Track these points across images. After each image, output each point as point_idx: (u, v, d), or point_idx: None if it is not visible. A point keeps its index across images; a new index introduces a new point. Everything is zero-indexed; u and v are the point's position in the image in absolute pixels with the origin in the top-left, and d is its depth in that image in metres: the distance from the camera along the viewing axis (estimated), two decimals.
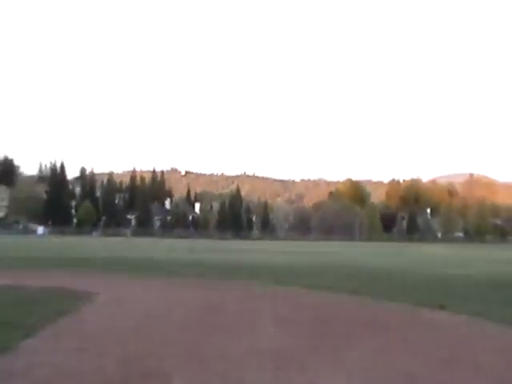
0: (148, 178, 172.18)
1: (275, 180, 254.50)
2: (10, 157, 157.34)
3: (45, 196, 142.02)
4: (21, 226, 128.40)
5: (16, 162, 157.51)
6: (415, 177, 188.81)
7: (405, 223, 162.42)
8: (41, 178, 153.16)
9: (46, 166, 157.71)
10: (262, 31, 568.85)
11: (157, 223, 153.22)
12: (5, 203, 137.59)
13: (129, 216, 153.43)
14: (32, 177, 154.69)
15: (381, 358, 9.75)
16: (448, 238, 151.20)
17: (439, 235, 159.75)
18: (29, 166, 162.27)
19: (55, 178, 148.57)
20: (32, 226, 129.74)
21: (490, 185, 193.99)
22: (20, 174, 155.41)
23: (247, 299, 17.87)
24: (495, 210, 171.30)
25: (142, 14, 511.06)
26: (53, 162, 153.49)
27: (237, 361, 9.26)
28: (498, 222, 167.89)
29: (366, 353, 10.10)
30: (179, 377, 8.17)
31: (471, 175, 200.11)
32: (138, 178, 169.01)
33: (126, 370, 8.48)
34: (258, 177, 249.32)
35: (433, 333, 12.46)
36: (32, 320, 12.16)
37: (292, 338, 11.31)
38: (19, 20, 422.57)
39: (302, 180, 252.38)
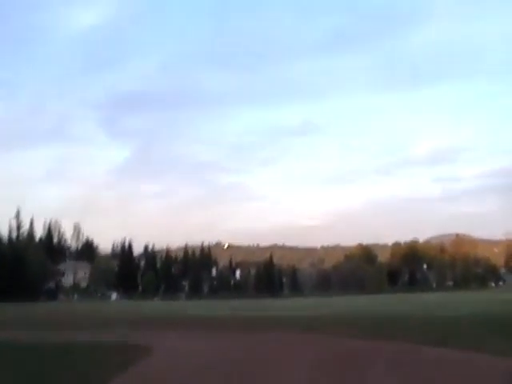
0: (197, 251, 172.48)
1: (300, 248, 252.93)
2: (90, 238, 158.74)
3: (117, 269, 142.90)
4: (99, 294, 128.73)
5: (95, 243, 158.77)
6: (413, 238, 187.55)
7: (406, 277, 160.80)
8: (114, 255, 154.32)
9: (117, 245, 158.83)
10: None
11: (205, 288, 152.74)
12: (87, 276, 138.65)
13: (183, 283, 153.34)
14: (107, 254, 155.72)
15: None
16: (441, 287, 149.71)
17: (434, 285, 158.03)
18: (105, 245, 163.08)
19: (125, 255, 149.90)
20: (108, 293, 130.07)
21: (472, 242, 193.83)
22: (98, 252, 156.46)
23: (282, 349, 17.32)
24: (477, 262, 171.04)
25: None
26: (123, 241, 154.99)
27: None
28: (480, 271, 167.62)
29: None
30: None
31: (457, 235, 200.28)
32: (190, 252, 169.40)
33: None
34: (286, 246, 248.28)
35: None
36: (101, 373, 11.83)
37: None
38: None
39: (322, 246, 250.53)
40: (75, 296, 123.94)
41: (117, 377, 11.47)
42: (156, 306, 71.16)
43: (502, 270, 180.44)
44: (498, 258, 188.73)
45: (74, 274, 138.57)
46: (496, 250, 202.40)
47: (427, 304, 51.24)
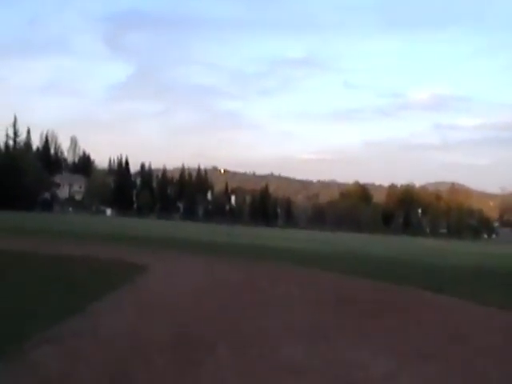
0: (194, 174, 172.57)
1: (296, 180, 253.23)
2: (87, 152, 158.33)
3: (113, 185, 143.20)
4: (93, 208, 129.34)
5: (92, 158, 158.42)
6: (409, 182, 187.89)
7: (401, 220, 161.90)
8: (110, 171, 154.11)
9: (114, 161, 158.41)
10: None
11: (200, 211, 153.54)
12: (82, 189, 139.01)
13: (178, 204, 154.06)
14: (103, 169, 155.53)
15: (398, 335, 9.02)
16: (434, 234, 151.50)
17: (427, 230, 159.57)
18: (101, 161, 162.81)
19: (121, 171, 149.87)
20: (102, 208, 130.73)
21: (467, 192, 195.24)
22: (94, 166, 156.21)
23: (278, 279, 17.19)
24: (471, 213, 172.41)
25: None
26: (119, 157, 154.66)
27: (273, 332, 8.56)
28: (473, 222, 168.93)
29: (385, 330, 9.38)
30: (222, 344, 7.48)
31: (453, 184, 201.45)
32: (186, 174, 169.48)
33: (177, 337, 7.80)
34: (282, 177, 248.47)
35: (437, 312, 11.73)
36: (96, 287, 11.59)
37: (320, 316, 10.58)
38: None
39: (318, 181, 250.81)
40: (70, 208, 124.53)
41: (113, 291, 11.27)
42: (151, 224, 71.42)
43: (496, 224, 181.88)
44: (492, 211, 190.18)
45: (69, 187, 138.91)
46: (491, 203, 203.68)
47: (424, 250, 51.46)
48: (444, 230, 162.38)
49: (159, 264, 17.88)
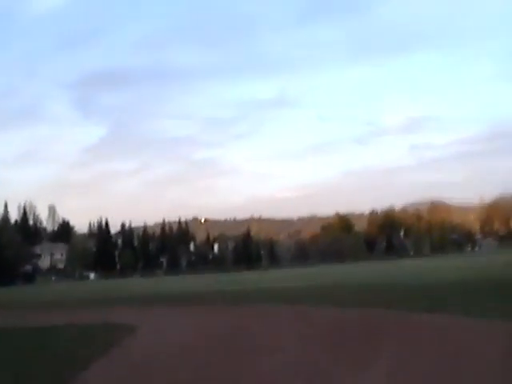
0: (175, 227, 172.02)
1: (277, 220, 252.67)
2: (66, 219, 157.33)
3: (94, 248, 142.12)
4: (76, 274, 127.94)
5: (72, 223, 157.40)
6: (389, 206, 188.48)
7: (383, 244, 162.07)
8: (91, 235, 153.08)
9: (94, 224, 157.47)
10: None
11: (183, 263, 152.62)
12: (64, 257, 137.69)
13: (161, 259, 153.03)
14: (84, 234, 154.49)
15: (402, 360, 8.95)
16: (418, 254, 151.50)
17: (411, 252, 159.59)
18: (81, 226, 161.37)
19: (101, 234, 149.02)
20: (85, 273, 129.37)
21: (447, 208, 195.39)
22: (74, 232, 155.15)
23: (269, 322, 17.03)
24: (453, 228, 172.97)
25: None
26: (99, 220, 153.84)
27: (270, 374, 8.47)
28: (456, 237, 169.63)
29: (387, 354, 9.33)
30: None
31: (432, 202, 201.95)
32: (167, 228, 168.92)
33: None
34: (263, 218, 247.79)
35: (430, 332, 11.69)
36: (86, 354, 11.40)
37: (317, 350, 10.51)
38: None
39: (299, 217, 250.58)
40: (53, 278, 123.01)
41: (101, 357, 11.08)
42: (135, 283, 70.72)
43: (478, 235, 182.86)
44: (473, 224, 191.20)
45: (50, 256, 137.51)
46: (472, 215, 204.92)
47: (408, 271, 51.47)
48: (427, 249, 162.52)
49: (146, 323, 17.67)
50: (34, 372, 9.62)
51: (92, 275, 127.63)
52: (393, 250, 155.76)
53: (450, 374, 7.90)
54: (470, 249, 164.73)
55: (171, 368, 9.97)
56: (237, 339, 13.37)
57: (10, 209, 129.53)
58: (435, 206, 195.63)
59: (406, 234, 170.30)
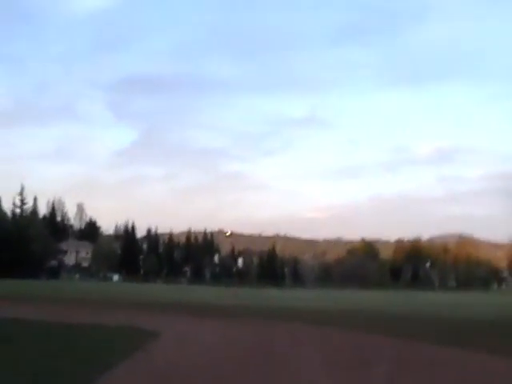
0: (200, 237, 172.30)
1: (303, 239, 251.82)
2: (93, 219, 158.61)
3: (119, 251, 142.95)
4: (101, 275, 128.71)
5: (98, 224, 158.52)
6: (416, 236, 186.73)
7: (409, 274, 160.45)
8: (117, 237, 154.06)
9: (120, 226, 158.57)
10: None
11: (207, 274, 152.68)
12: (89, 256, 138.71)
13: (185, 268, 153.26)
14: (110, 235, 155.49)
15: None
16: (443, 287, 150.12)
17: (436, 284, 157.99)
18: (108, 227, 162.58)
19: (127, 237, 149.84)
20: (109, 274, 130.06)
21: (474, 243, 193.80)
22: (101, 233, 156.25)
23: (290, 340, 16.80)
24: (479, 264, 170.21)
25: None
26: (126, 223, 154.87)
27: None
28: (482, 273, 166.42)
29: None
30: None
31: (460, 236, 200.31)
32: (193, 237, 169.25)
33: None
34: (288, 236, 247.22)
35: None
36: (109, 356, 11.28)
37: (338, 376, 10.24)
38: None
39: (324, 239, 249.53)
40: (77, 275, 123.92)
41: (125, 360, 10.96)
42: (159, 289, 70.73)
43: (505, 273, 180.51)
44: (500, 261, 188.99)
45: (76, 254, 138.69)
46: (499, 253, 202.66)
47: (435, 303, 50.74)
48: (453, 283, 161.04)
49: (170, 330, 17.55)
50: (58, 369, 9.49)
51: (116, 277, 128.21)
52: (418, 280, 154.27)
53: None
54: (496, 286, 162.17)
55: (192, 377, 9.92)
56: (260, 355, 13.14)
57: (39, 203, 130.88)
58: (463, 240, 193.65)
59: (431, 266, 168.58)
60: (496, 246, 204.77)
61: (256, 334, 18.08)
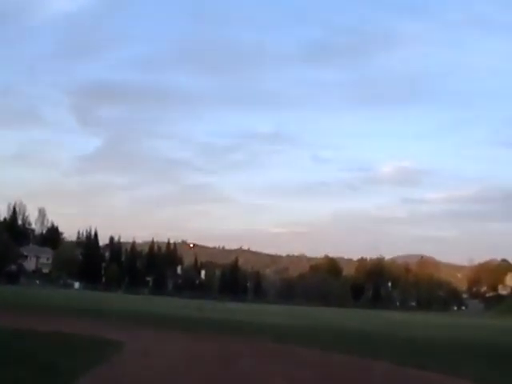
0: (163, 247, 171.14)
1: (266, 254, 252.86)
2: (55, 224, 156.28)
3: (81, 258, 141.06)
4: (61, 281, 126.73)
5: (60, 229, 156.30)
6: (379, 256, 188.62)
7: (370, 293, 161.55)
8: (78, 244, 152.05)
9: (82, 233, 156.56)
10: None
11: (170, 285, 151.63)
12: (50, 262, 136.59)
13: (147, 278, 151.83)
14: (72, 242, 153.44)
15: None
16: (404, 306, 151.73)
17: (397, 303, 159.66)
18: (70, 233, 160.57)
19: (90, 244, 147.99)
20: (70, 281, 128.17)
21: (435, 265, 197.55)
22: (63, 239, 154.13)
23: (253, 355, 16.69)
24: (440, 285, 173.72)
25: None
26: (88, 230, 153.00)
27: None
28: (442, 294, 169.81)
29: None
30: None
31: (422, 257, 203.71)
32: (156, 248, 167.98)
33: None
34: (252, 251, 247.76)
35: None
36: (73, 366, 11.02)
37: None
38: None
39: (287, 255, 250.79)
40: (37, 281, 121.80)
41: (88, 371, 10.71)
42: (121, 298, 69.90)
43: (465, 295, 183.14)
44: (460, 283, 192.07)
45: (36, 259, 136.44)
46: (459, 275, 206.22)
47: (395, 323, 51.07)
48: (414, 303, 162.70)
49: (134, 341, 17.27)
50: (19, 380, 9.20)
51: (77, 284, 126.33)
52: (379, 299, 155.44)
53: None
54: (456, 308, 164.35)
55: None
56: (222, 370, 13.02)
57: None
58: (424, 261, 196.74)
59: (393, 286, 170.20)
60: (456, 268, 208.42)
61: (221, 348, 17.90)
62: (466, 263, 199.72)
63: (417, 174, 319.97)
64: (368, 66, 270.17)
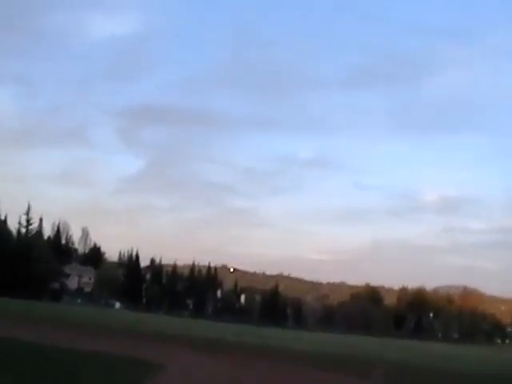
0: (204, 270, 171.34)
1: (306, 280, 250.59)
2: (98, 244, 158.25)
3: (122, 278, 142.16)
4: (103, 301, 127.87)
5: (102, 249, 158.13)
6: (420, 285, 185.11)
7: (412, 323, 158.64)
8: (120, 264, 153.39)
9: (124, 254, 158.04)
10: None
11: (209, 308, 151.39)
12: (91, 281, 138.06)
13: (187, 301, 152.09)
14: (114, 262, 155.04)
15: None
16: (446, 338, 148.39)
17: (439, 335, 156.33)
18: (111, 253, 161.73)
19: (131, 265, 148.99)
20: (111, 301, 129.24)
21: (479, 296, 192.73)
22: (105, 259, 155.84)
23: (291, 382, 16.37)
24: (483, 317, 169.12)
25: None
26: (130, 251, 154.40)
27: None
28: (486, 326, 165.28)
29: None
30: None
31: (465, 288, 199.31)
32: (196, 271, 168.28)
33: None
34: (292, 277, 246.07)
35: None
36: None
37: None
38: None
39: (328, 282, 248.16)
40: (79, 300, 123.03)
41: None
42: (162, 320, 69.80)
43: (509, 328, 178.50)
44: (504, 316, 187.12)
45: (78, 278, 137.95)
46: (503, 307, 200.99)
47: (438, 355, 49.85)
48: (456, 335, 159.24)
49: (174, 364, 17.10)
50: None
51: (118, 304, 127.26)
52: (421, 330, 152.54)
53: None
54: (499, 341, 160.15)
55: None
56: None
57: (44, 225, 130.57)
58: (467, 293, 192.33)
59: (435, 316, 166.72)
60: (500, 301, 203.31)
61: (262, 375, 17.63)
62: (510, 296, 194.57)
63: (460, 203, 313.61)
64: (411, 91, 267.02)
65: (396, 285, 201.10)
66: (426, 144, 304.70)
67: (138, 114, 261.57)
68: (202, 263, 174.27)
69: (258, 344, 34.51)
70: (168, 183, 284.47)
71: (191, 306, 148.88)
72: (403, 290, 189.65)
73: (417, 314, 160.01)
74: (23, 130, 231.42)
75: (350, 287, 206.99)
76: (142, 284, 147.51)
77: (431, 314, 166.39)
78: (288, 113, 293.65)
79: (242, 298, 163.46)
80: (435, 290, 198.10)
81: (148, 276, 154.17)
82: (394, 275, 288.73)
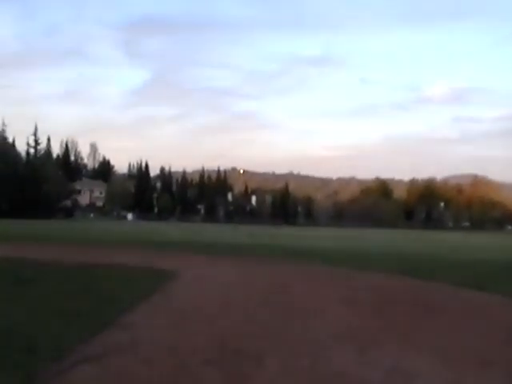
0: (214, 175, 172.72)
1: (316, 177, 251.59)
2: (107, 158, 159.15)
3: (133, 190, 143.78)
4: (115, 214, 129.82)
5: (111, 163, 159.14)
6: (430, 176, 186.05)
7: (423, 214, 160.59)
8: (130, 176, 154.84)
9: (133, 166, 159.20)
10: None
11: (221, 212, 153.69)
12: (103, 195, 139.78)
13: (198, 206, 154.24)
14: (123, 174, 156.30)
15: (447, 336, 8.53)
16: (457, 227, 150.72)
17: (450, 224, 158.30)
18: (121, 166, 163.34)
19: (141, 176, 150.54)
20: (123, 213, 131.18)
21: (489, 184, 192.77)
22: (114, 172, 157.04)
23: (309, 279, 16.75)
24: (493, 205, 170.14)
25: None
26: (139, 162, 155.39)
27: (317, 340, 8.10)
28: (496, 214, 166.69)
29: (432, 332, 8.90)
30: (269, 356, 7.02)
31: (475, 176, 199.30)
32: (206, 176, 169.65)
33: (220, 350, 7.34)
34: (301, 175, 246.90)
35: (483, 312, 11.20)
36: (131, 296, 11.21)
37: (362, 319, 10.11)
38: None
39: (338, 178, 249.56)
40: (91, 215, 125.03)
41: (145, 301, 10.89)
42: (174, 228, 71.07)
43: None
44: None
45: (90, 193, 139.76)
46: None
47: (449, 244, 50.59)
48: (467, 223, 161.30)
49: (187, 269, 17.48)
50: (82, 310, 9.39)
51: (130, 216, 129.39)
52: (431, 220, 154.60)
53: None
54: (510, 227, 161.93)
55: (213, 317, 9.84)
56: (281, 295, 13.05)
57: (52, 144, 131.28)
58: (477, 181, 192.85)
59: (445, 206, 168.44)
60: (510, 188, 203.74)
61: (274, 272, 18.03)
62: None
63: (468, 93, 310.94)
64: None
65: (406, 177, 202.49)
66: (431, 34, 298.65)
67: (138, 25, 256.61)
68: (211, 168, 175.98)
69: (269, 244, 35.15)
70: (173, 92, 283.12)
71: (203, 211, 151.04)
72: (413, 182, 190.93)
73: (427, 205, 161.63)
74: (24, 52, 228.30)
75: (360, 182, 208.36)
76: (153, 193, 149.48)
77: (442, 204, 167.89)
78: (290, 12, 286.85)
79: (253, 199, 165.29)
80: (445, 181, 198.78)
81: (158, 185, 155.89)
82: (404, 168, 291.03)
